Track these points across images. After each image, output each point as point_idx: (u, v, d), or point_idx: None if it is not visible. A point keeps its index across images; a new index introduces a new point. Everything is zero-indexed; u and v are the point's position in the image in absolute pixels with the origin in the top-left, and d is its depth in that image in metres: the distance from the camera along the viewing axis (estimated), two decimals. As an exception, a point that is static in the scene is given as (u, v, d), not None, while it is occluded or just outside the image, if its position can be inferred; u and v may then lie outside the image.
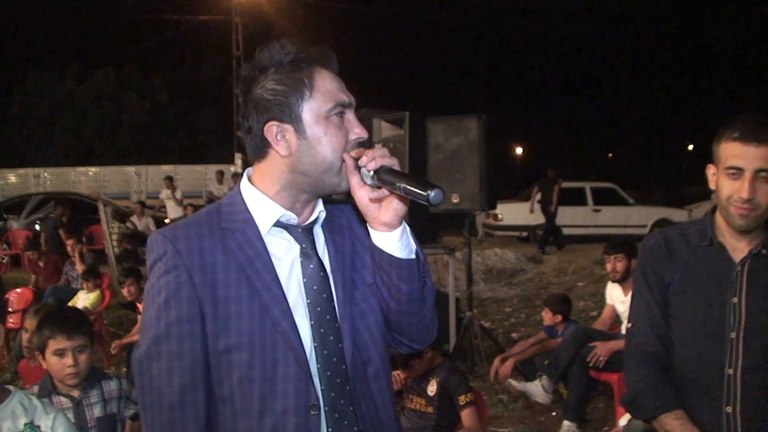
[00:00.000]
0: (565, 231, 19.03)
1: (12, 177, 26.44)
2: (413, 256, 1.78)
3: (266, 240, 1.79)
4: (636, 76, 58.45)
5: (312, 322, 1.78)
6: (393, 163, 1.69)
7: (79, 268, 9.97)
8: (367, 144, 1.81)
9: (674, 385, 2.60)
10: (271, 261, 1.77)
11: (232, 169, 24.34)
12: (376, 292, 1.86)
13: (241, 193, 1.84)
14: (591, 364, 5.54)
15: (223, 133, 35.07)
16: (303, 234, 1.83)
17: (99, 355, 8.07)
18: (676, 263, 2.62)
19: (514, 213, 19.48)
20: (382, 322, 1.89)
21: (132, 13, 38.73)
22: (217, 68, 37.19)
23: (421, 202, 1.61)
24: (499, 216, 19.19)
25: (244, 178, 1.88)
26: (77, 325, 3.27)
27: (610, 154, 59.18)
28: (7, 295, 9.44)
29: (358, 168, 1.72)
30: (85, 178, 26.57)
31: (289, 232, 1.82)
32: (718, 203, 2.53)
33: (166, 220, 18.16)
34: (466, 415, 4.09)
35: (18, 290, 9.59)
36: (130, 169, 26.63)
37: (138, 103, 34.59)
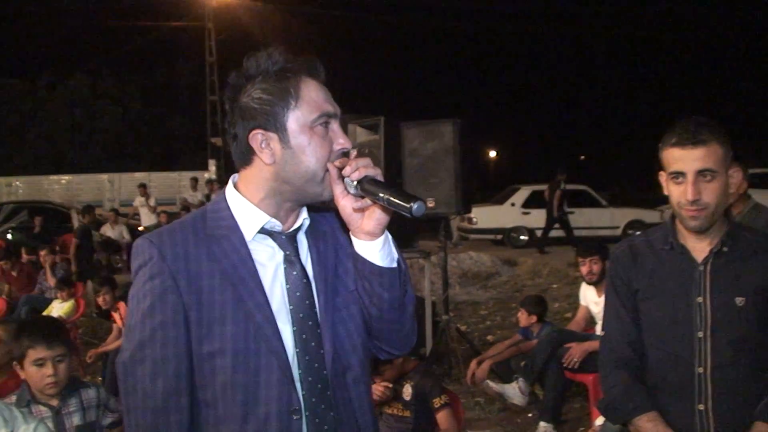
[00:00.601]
0: (539, 233, 19.16)
1: (-17, 186, 26.19)
2: (395, 265, 1.81)
3: (251, 246, 1.81)
4: (607, 79, 58.86)
5: (294, 328, 1.79)
6: (376, 173, 1.71)
7: (50, 281, 9.91)
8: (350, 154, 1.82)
9: (648, 388, 2.65)
10: (256, 267, 1.79)
11: (206, 175, 24.23)
12: (357, 299, 1.88)
13: (226, 200, 1.86)
14: (566, 365, 5.59)
15: (197, 140, 34.86)
16: (287, 241, 1.84)
17: (74, 364, 8.01)
18: (641, 269, 2.68)
19: (489, 216, 19.59)
20: (362, 329, 1.90)
21: (104, 19, 38.49)
22: (191, 75, 37.01)
23: (404, 213, 1.63)
24: (474, 219, 19.27)
25: (230, 184, 1.89)
26: (56, 335, 3.28)
27: (583, 157, 59.49)
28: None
29: (342, 177, 1.74)
30: (58, 186, 26.31)
31: (273, 239, 1.83)
32: (672, 208, 2.59)
33: (140, 228, 18.05)
34: (442, 417, 4.12)
35: (-9, 300, 9.49)
36: (104, 177, 26.41)
37: (111, 110, 34.32)
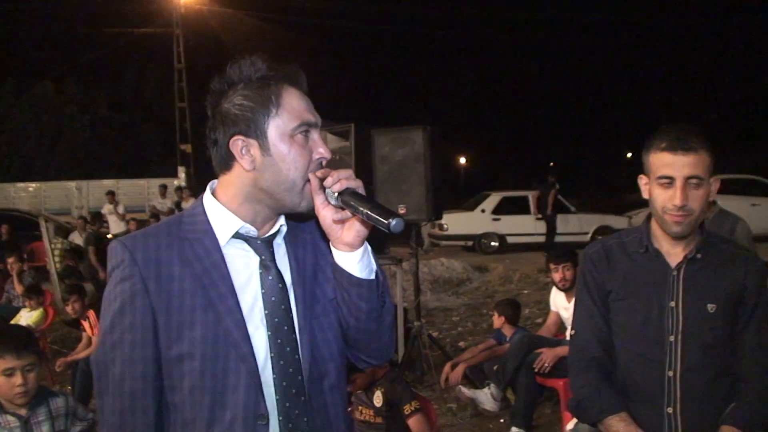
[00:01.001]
0: (510, 239, 19.29)
1: (-52, 194, 25.85)
2: (373, 277, 1.82)
3: (225, 251, 1.81)
4: (574, 86, 59.36)
5: (269, 333, 1.80)
6: (358, 185, 1.72)
7: (18, 289, 9.79)
8: (332, 164, 1.83)
9: (618, 389, 2.67)
10: (228, 272, 1.79)
11: (176, 182, 24.09)
12: (336, 307, 1.89)
13: (203, 205, 1.87)
14: (537, 370, 5.63)
15: (165, 147, 34.68)
16: (263, 246, 1.84)
17: (43, 373, 7.93)
18: (615, 271, 2.70)
19: (460, 223, 19.66)
20: (340, 336, 1.91)
21: (71, 25, 38.18)
22: (159, 81, 36.82)
23: (382, 228, 1.65)
24: (445, 226, 19.33)
25: (207, 190, 1.90)
26: (25, 344, 3.24)
27: (551, 163, 59.91)
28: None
29: (323, 188, 1.75)
30: (25, 194, 26.02)
31: (248, 244, 1.84)
32: (654, 212, 2.60)
33: (109, 236, 17.88)
34: (413, 423, 4.12)
35: (-43, 309, 9.36)
36: (71, 184, 26.17)
37: (78, 116, 34.04)
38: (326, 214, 1.76)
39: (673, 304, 2.59)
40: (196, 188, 24.64)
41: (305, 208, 1.81)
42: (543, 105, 57.85)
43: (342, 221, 1.77)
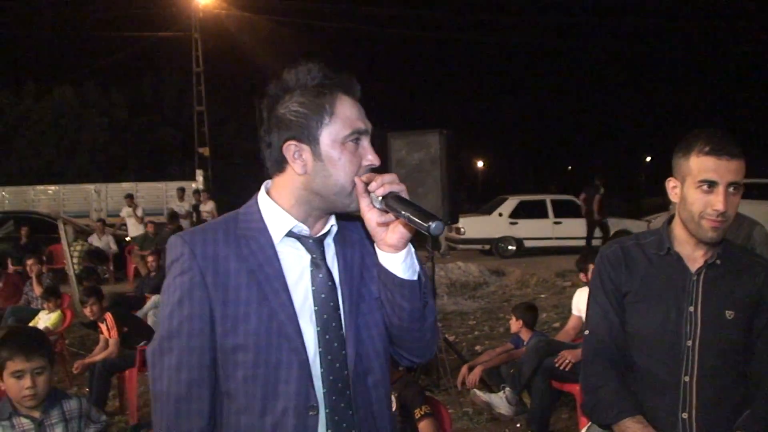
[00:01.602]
0: (527, 243, 19.23)
1: (-30, 196, 26.03)
2: (415, 278, 1.87)
3: (278, 248, 1.89)
4: (594, 89, 59.16)
5: (318, 329, 1.87)
6: (401, 189, 1.79)
7: (37, 290, 9.84)
8: (379, 170, 1.89)
9: (632, 391, 2.65)
10: (281, 268, 1.87)
11: (194, 185, 24.15)
12: (381, 306, 1.96)
13: (257, 204, 1.95)
14: (559, 366, 5.60)
15: (184, 150, 34.81)
16: (314, 245, 1.92)
17: (61, 375, 7.97)
18: (633, 272, 2.67)
19: (477, 226, 19.63)
20: (384, 335, 1.99)
21: (90, 30, 38.42)
22: (178, 85, 36.98)
23: (423, 231, 1.71)
24: (462, 229, 19.31)
25: (262, 190, 1.97)
26: (36, 347, 3.22)
27: (570, 167, 59.73)
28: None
29: (368, 192, 1.82)
30: (44, 197, 26.15)
31: (301, 243, 1.91)
32: (687, 216, 2.55)
33: (127, 239, 17.98)
34: (423, 428, 4.11)
35: (-24, 311, 9.43)
36: (90, 187, 26.29)
37: (97, 120, 34.17)
38: (371, 217, 1.83)
39: (691, 309, 2.56)
40: (214, 191, 24.75)
41: (355, 209, 1.87)
42: (562, 109, 57.65)
43: (386, 224, 1.83)
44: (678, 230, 2.63)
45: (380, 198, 1.78)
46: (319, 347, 1.86)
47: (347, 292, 1.92)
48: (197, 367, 1.84)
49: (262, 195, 1.96)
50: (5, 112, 33.85)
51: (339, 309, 1.90)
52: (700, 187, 2.48)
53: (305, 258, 1.91)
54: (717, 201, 2.44)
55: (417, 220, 1.71)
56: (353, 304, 1.92)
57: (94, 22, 40.80)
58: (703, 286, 2.57)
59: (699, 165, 2.48)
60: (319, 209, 1.91)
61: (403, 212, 1.74)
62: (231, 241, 1.88)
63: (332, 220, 1.96)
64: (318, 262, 1.91)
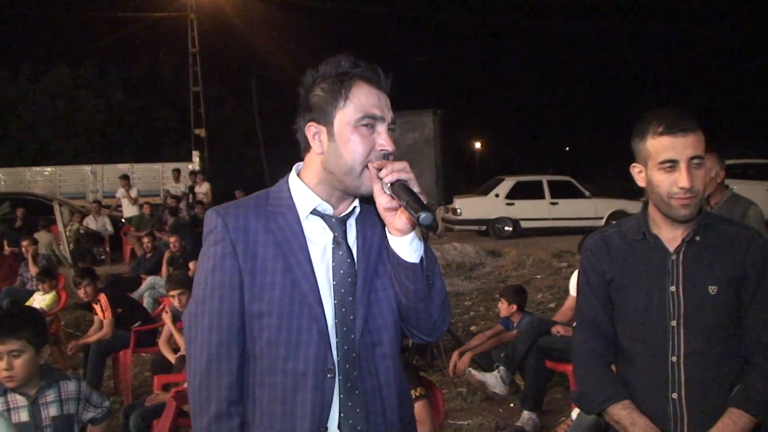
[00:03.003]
0: (524, 224, 19.25)
1: (-35, 178, 25.92)
2: (418, 261, 1.97)
3: (304, 224, 2.04)
4: (591, 70, 58.99)
5: (335, 301, 2.02)
6: (409, 177, 1.88)
7: (32, 270, 9.86)
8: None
9: (621, 377, 2.65)
10: (306, 243, 2.02)
11: (190, 167, 24.07)
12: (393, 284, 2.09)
13: (288, 183, 2.10)
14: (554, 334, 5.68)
15: (180, 131, 34.69)
16: (337, 224, 2.06)
17: (56, 356, 7.99)
18: (614, 260, 2.67)
19: (473, 207, 19.65)
20: (396, 310, 2.09)
21: (86, 10, 38.20)
22: (174, 66, 36.83)
23: (414, 220, 1.81)
24: (458, 210, 19.33)
25: (293, 170, 2.13)
26: (10, 330, 3.22)
27: (567, 148, 59.71)
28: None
29: (380, 178, 1.91)
30: (40, 178, 25.99)
31: (325, 221, 2.05)
32: (656, 199, 2.55)
33: (123, 219, 17.97)
34: (417, 409, 4.10)
35: (-28, 292, 9.44)
36: (86, 169, 26.12)
37: (93, 101, 33.94)
38: (381, 201, 1.92)
39: (673, 288, 2.55)
40: (210, 172, 24.71)
41: (365, 192, 1.98)
42: (559, 89, 57.53)
43: (394, 209, 1.92)
44: (653, 213, 2.63)
45: (389, 184, 1.87)
46: (336, 318, 2.01)
47: (362, 269, 2.05)
48: (227, 329, 2.01)
49: (292, 175, 2.11)
50: (1, 93, 33.67)
51: (356, 284, 2.03)
52: (662, 167, 2.48)
53: (328, 235, 2.05)
54: (681, 178, 2.44)
55: (410, 208, 1.80)
56: (366, 280, 2.04)
57: (90, 3, 40.63)
58: (683, 264, 2.56)
59: (656, 146, 2.49)
60: (338, 189, 2.03)
61: (402, 200, 1.83)
62: (261, 215, 2.04)
63: (356, 202, 2.08)
64: (339, 240, 2.04)
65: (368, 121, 1.96)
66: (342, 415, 2.02)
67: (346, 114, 1.97)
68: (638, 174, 2.62)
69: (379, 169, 1.90)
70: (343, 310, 2.01)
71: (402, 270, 1.97)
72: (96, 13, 36.11)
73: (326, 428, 2.00)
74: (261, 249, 2.01)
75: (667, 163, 2.46)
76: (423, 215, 1.75)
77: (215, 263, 2.02)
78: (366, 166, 1.96)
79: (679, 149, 2.44)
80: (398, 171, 1.87)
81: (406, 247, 1.95)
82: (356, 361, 2.02)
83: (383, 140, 1.97)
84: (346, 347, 2.01)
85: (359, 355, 2.02)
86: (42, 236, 13.95)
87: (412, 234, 1.94)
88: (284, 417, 2.00)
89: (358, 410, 2.02)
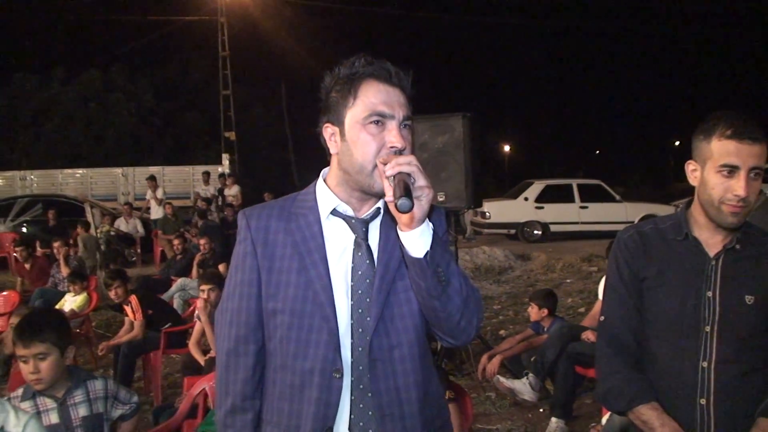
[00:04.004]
0: (553, 228, 19.15)
1: (-2, 179, 26.25)
2: (422, 256, 1.92)
3: (325, 226, 2.07)
4: (622, 73, 58.59)
5: (352, 302, 2.02)
6: (412, 170, 1.84)
7: (64, 271, 9.96)
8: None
9: (648, 378, 2.60)
10: (324, 243, 2.05)
11: (219, 169, 24.23)
12: None
13: (315, 185, 2.15)
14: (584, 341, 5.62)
15: (210, 134, 34.90)
16: (358, 225, 2.07)
17: (87, 357, 8.05)
18: (651, 257, 2.61)
19: (502, 211, 19.58)
20: (418, 313, 2.08)
21: (117, 14, 38.58)
22: (204, 69, 37.04)
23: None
24: (487, 214, 19.27)
25: (321, 173, 2.16)
26: (35, 333, 3.25)
27: (597, 151, 59.36)
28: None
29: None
30: (72, 180, 26.24)
31: (346, 222, 2.07)
32: (706, 200, 2.49)
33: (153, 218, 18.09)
34: None
35: (4, 293, 9.55)
36: (117, 171, 26.37)
37: (124, 104, 34.25)
38: (388, 195, 1.88)
39: (710, 294, 2.50)
40: (240, 175, 24.82)
41: (378, 190, 1.97)
42: (589, 92, 57.18)
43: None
44: (697, 214, 2.57)
45: (392, 177, 1.85)
46: (351, 319, 2.01)
47: (382, 270, 2.04)
48: (245, 325, 2.09)
49: (320, 178, 2.14)
50: (33, 96, 34.06)
51: (374, 285, 2.03)
52: (720, 171, 2.42)
53: (349, 237, 2.06)
54: (738, 186, 2.38)
55: (394, 196, 1.79)
56: (385, 282, 2.04)
57: (120, 7, 41.01)
58: (722, 271, 2.51)
59: (720, 149, 2.42)
60: (356, 190, 2.04)
61: (395, 189, 1.81)
62: (283, 216, 2.09)
63: (379, 203, 2.08)
64: (360, 242, 2.05)
65: (376, 119, 1.96)
66: (352, 416, 2.03)
67: (355, 113, 1.98)
68: (692, 172, 2.55)
69: (385, 164, 1.89)
70: (359, 311, 2.02)
71: (411, 266, 1.95)
72: (127, 17, 36.47)
73: (331, 428, 2.02)
74: (280, 249, 2.06)
75: (728, 167, 2.40)
76: (400, 201, 1.76)
77: (238, 262, 2.12)
78: (377, 165, 1.95)
79: (743, 156, 2.38)
80: (401, 164, 1.84)
81: (414, 240, 1.90)
82: (371, 363, 2.01)
83: (393, 137, 1.95)
84: (360, 349, 2.01)
85: (375, 358, 2.02)
86: (82, 236, 14.09)
87: (420, 228, 1.90)
88: (290, 414, 2.05)
89: (370, 413, 2.03)
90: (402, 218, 1.89)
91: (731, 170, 2.40)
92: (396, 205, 1.77)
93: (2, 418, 2.72)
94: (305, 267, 2.02)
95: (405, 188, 1.79)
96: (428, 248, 1.92)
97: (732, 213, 2.42)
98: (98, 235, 15.30)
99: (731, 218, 2.44)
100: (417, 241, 1.91)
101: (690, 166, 2.56)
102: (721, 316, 2.49)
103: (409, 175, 1.83)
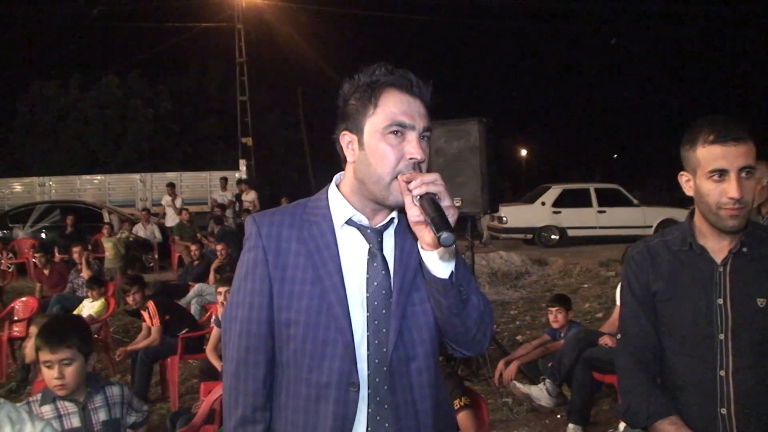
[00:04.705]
0: (570, 232, 19.09)
1: (17, 186, 26.24)
2: (448, 276, 1.91)
3: (339, 235, 2.03)
4: (639, 77, 58.30)
5: (367, 314, 1.99)
6: (438, 190, 1.82)
7: (86, 274, 10.02)
8: (425, 166, 1.96)
9: (668, 391, 2.59)
10: (338, 253, 2.01)
11: (237, 175, 24.29)
12: None
13: (327, 192, 2.11)
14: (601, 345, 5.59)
15: (227, 140, 35.02)
16: (373, 234, 2.04)
17: (105, 362, 8.09)
18: (659, 271, 2.61)
19: (519, 215, 19.53)
20: (433, 325, 2.06)
21: (135, 21, 38.79)
22: (221, 75, 37.16)
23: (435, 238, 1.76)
24: (504, 219, 19.22)
25: (334, 180, 2.13)
26: (61, 339, 3.27)
27: (615, 155, 59.09)
28: (12, 304, 9.50)
29: (410, 191, 1.86)
30: (90, 186, 26.40)
31: (360, 232, 2.04)
32: (704, 208, 2.49)
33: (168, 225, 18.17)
34: (462, 419, 4.07)
35: (23, 299, 9.61)
36: (135, 177, 26.49)
37: (142, 110, 34.39)
38: (411, 214, 1.87)
39: (720, 301, 2.49)
40: (257, 180, 24.88)
41: (392, 203, 1.96)
42: (607, 97, 56.96)
43: (422, 223, 1.87)
44: (699, 223, 2.56)
45: (418, 197, 1.82)
46: (368, 331, 1.98)
47: (398, 281, 2.01)
48: (255, 335, 2.03)
49: (332, 185, 2.11)
50: (52, 103, 34.29)
51: (390, 297, 2.00)
52: (711, 177, 2.42)
53: (363, 247, 2.03)
54: (731, 189, 2.38)
55: (433, 225, 1.76)
56: (402, 293, 2.01)
57: (138, 14, 41.23)
58: (731, 277, 2.49)
59: (706, 155, 2.42)
60: (370, 200, 2.01)
61: (428, 215, 1.79)
62: (295, 224, 2.05)
63: (393, 213, 2.05)
64: (374, 252, 2.02)
65: (396, 129, 1.93)
66: (369, 429, 2.00)
67: (375, 122, 1.95)
68: (686, 183, 2.56)
69: (409, 182, 1.86)
70: (376, 322, 1.98)
71: (434, 284, 1.93)
72: (145, 24, 36.61)
73: None
74: (292, 258, 2.02)
75: (717, 172, 2.40)
76: (444, 236, 1.71)
77: (247, 270, 2.06)
78: (395, 177, 1.92)
79: (729, 159, 2.37)
80: (427, 183, 1.82)
81: (437, 261, 1.90)
82: (388, 375, 1.98)
83: (413, 148, 1.93)
84: (377, 360, 1.98)
85: (392, 370, 1.99)
86: (106, 241, 14.20)
87: (443, 248, 1.88)
88: (306, 427, 2.01)
89: (386, 425, 2.00)
90: (425, 238, 1.87)
91: (721, 174, 2.40)
92: (439, 240, 1.72)
93: (18, 427, 2.74)
94: (320, 277, 1.98)
95: (443, 217, 1.76)
96: (452, 268, 1.92)
97: (731, 216, 2.41)
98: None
99: (731, 222, 2.42)
100: (442, 261, 1.90)
101: (683, 177, 2.57)
102: (733, 322, 2.47)
103: (435, 195, 1.81)
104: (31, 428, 2.77)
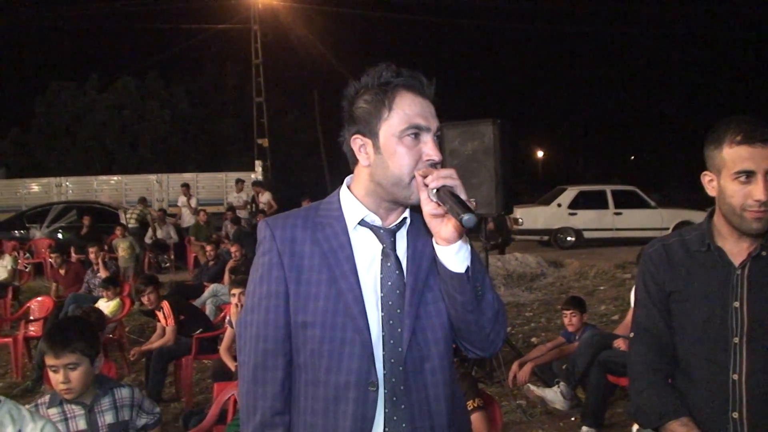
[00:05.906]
0: (586, 234, 19.00)
1: (34, 186, 26.37)
2: (464, 271, 1.93)
3: (352, 235, 2.04)
4: (657, 78, 58.06)
5: (382, 314, 1.99)
6: (455, 184, 1.84)
7: (103, 273, 10.06)
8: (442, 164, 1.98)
9: (680, 392, 2.56)
10: (353, 254, 2.02)
11: (253, 176, 24.33)
12: None
13: (339, 194, 2.11)
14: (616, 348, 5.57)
15: (243, 141, 35.09)
16: (386, 235, 2.04)
17: (119, 362, 8.12)
18: (676, 271, 2.57)
19: (535, 217, 19.48)
20: (447, 324, 2.06)
21: (151, 22, 39.01)
22: (237, 76, 37.26)
23: (458, 222, 1.77)
24: (520, 220, 19.17)
25: (344, 182, 2.13)
26: (65, 344, 3.25)
27: (632, 157, 58.85)
28: (28, 304, 9.55)
29: (426, 185, 1.89)
30: (106, 187, 26.48)
31: (373, 233, 2.04)
32: (727, 210, 2.44)
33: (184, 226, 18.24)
34: (474, 420, 4.05)
35: (39, 299, 9.67)
36: (152, 178, 26.56)
37: (159, 111, 34.58)
38: (427, 209, 1.90)
39: (737, 304, 2.45)
40: (273, 181, 24.92)
41: (414, 201, 1.96)
42: (624, 98, 56.74)
43: (440, 216, 1.89)
44: (719, 224, 2.52)
45: (434, 191, 1.84)
46: (383, 331, 1.98)
47: (411, 281, 2.01)
48: (272, 338, 2.02)
49: (343, 187, 2.11)
50: (69, 104, 34.50)
51: (404, 296, 2.00)
52: (737, 178, 2.37)
53: (377, 247, 2.03)
54: (757, 191, 2.33)
55: (453, 212, 1.77)
56: (415, 293, 2.01)
57: (155, 15, 41.43)
58: (749, 280, 2.45)
59: (733, 156, 2.37)
60: (386, 200, 2.02)
61: (446, 204, 1.80)
62: (308, 226, 2.05)
63: (406, 213, 2.06)
64: (388, 252, 2.02)
65: (413, 131, 1.95)
66: (386, 429, 2.00)
67: (390, 125, 1.95)
68: (709, 183, 2.51)
69: (425, 177, 1.89)
70: (391, 322, 1.99)
71: (449, 280, 1.94)
72: (161, 25, 36.84)
73: None
74: (307, 260, 2.02)
75: (743, 173, 2.35)
76: (466, 217, 1.72)
77: (263, 273, 2.06)
78: (414, 177, 1.94)
79: (757, 160, 2.33)
80: (444, 177, 1.84)
81: (453, 256, 1.91)
82: (403, 375, 1.99)
83: (430, 150, 1.95)
84: (392, 360, 1.98)
85: (406, 369, 1.99)
86: (120, 242, 14.27)
87: (459, 243, 1.90)
88: (325, 429, 2.00)
89: (403, 425, 2.00)
90: (441, 233, 1.89)
91: (748, 176, 2.35)
92: (461, 222, 1.73)
93: (19, 425, 2.74)
94: (335, 278, 1.99)
95: (461, 202, 1.78)
96: (469, 263, 1.93)
97: (755, 219, 2.37)
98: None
99: (755, 224, 2.38)
100: (458, 256, 1.91)
101: (706, 177, 2.52)
102: (749, 326, 2.43)
103: (452, 188, 1.82)
104: (32, 426, 2.77)
